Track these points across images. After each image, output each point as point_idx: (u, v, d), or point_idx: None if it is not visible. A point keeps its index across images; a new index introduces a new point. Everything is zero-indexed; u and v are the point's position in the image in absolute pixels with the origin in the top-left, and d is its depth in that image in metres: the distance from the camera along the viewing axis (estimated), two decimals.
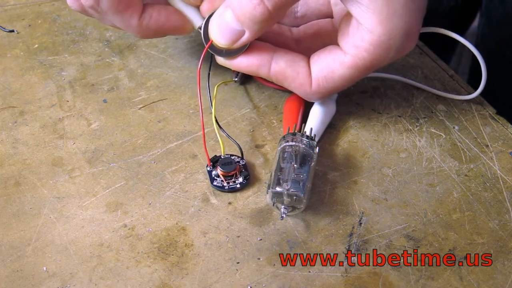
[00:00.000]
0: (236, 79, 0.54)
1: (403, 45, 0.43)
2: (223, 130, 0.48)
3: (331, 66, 0.44)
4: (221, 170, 0.45)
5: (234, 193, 0.45)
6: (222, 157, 0.46)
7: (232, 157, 0.46)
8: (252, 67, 0.46)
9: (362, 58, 0.43)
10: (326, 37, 0.48)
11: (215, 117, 0.47)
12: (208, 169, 0.45)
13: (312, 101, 0.50)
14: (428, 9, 0.44)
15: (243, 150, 0.47)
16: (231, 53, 0.46)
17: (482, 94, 0.53)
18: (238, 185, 0.45)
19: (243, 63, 0.46)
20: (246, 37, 0.43)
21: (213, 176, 0.45)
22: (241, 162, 0.46)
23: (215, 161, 0.46)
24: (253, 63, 0.45)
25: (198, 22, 0.49)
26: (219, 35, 0.44)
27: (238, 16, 0.42)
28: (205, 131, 0.48)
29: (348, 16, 0.44)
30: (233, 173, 0.45)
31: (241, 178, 0.45)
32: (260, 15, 0.41)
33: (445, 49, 0.84)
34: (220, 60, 0.47)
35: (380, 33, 0.41)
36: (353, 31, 0.43)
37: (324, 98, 0.48)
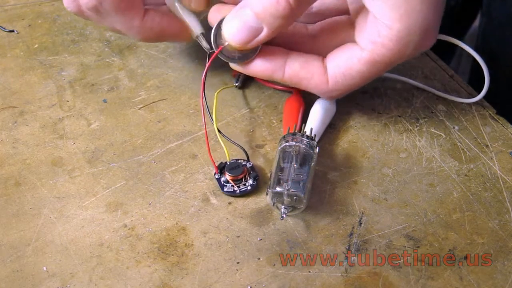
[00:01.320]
0: (237, 84, 0.54)
1: (421, 41, 0.42)
2: (227, 137, 0.48)
3: (348, 62, 0.44)
4: (229, 175, 0.45)
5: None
6: (228, 163, 0.46)
7: (239, 161, 0.46)
8: (266, 72, 0.46)
9: (380, 54, 0.43)
10: (343, 32, 0.48)
11: (217, 129, 0.47)
12: (216, 176, 0.45)
13: (331, 99, 0.50)
14: None
15: (245, 150, 0.47)
16: (242, 58, 0.46)
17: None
18: (249, 187, 0.45)
19: (258, 67, 0.46)
20: (263, 34, 0.43)
21: (222, 183, 0.45)
22: (247, 165, 0.46)
23: (221, 168, 0.45)
24: (267, 68, 0.45)
25: (197, 30, 0.49)
26: (235, 34, 0.44)
27: (258, 13, 0.42)
28: (202, 132, 0.48)
29: (365, 11, 0.43)
30: (242, 176, 0.45)
31: (250, 180, 0.45)
32: (282, 10, 0.41)
33: (446, 50, 0.84)
34: (234, 65, 0.47)
35: (399, 29, 0.41)
36: (370, 26, 0.42)
37: (343, 95, 0.47)
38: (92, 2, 0.46)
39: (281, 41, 0.47)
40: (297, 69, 0.45)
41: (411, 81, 0.54)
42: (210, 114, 0.48)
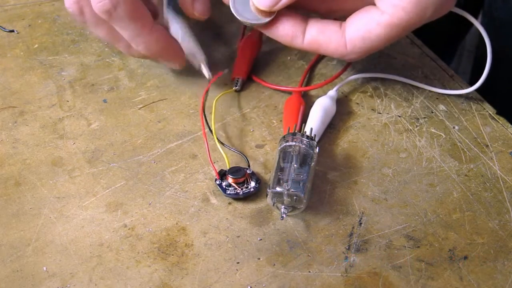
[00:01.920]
0: (236, 87, 0.54)
1: (441, 4, 0.43)
2: (228, 147, 0.48)
3: (367, 26, 0.44)
4: (232, 178, 0.44)
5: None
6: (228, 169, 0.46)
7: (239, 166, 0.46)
8: (287, 38, 0.46)
9: (399, 17, 0.43)
10: None
11: (217, 139, 0.47)
12: (218, 182, 0.45)
13: (350, 61, 0.49)
14: None
15: (245, 154, 0.47)
16: (261, 20, 0.46)
17: (483, 94, 0.53)
18: (252, 189, 0.44)
19: (280, 32, 0.46)
20: None
21: (224, 187, 0.45)
22: (248, 171, 0.46)
23: (222, 174, 0.45)
24: (288, 34, 0.46)
25: (200, 57, 0.52)
26: None
27: None
28: (201, 131, 0.48)
29: None
30: (244, 179, 0.45)
31: (253, 182, 0.45)
32: None
33: (446, 50, 0.84)
34: (257, 26, 0.47)
35: None
36: None
37: (362, 57, 0.48)
38: (107, 5, 0.46)
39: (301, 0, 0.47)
40: (315, 34, 0.46)
41: (411, 81, 0.54)
42: (210, 127, 0.49)
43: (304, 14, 0.47)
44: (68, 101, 0.52)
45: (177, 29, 0.54)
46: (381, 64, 0.57)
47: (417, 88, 0.54)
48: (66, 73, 0.55)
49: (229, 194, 0.44)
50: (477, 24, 0.49)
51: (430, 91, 0.54)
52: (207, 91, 0.51)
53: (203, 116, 0.49)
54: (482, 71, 0.50)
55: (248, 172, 0.45)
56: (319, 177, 0.46)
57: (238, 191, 0.44)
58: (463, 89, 0.54)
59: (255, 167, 0.47)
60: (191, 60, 0.53)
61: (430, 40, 0.59)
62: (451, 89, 0.54)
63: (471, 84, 0.55)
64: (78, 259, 0.41)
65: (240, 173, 0.45)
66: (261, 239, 0.42)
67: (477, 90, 0.52)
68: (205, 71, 0.52)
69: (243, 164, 0.46)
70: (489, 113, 0.52)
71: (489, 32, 0.66)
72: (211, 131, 0.48)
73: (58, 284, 0.39)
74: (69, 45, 0.59)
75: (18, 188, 0.45)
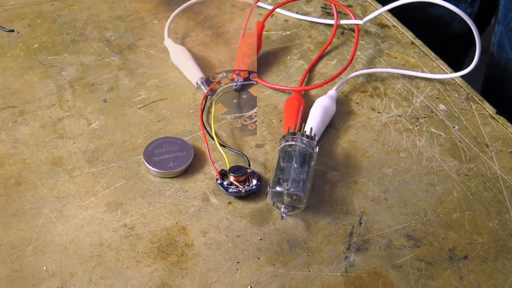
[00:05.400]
0: (236, 87, 0.54)
1: None
2: (229, 148, 0.48)
3: None
4: (233, 176, 0.45)
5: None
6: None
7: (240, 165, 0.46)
8: None
9: None
10: None
11: (219, 143, 0.47)
12: (219, 182, 0.45)
13: None
14: (447, 17, 0.43)
15: (245, 154, 0.47)
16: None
17: (485, 96, 0.53)
18: (254, 187, 0.44)
19: None
20: None
21: (226, 186, 0.45)
22: (248, 170, 0.46)
23: (223, 174, 0.45)
24: None
25: (198, 75, 0.54)
26: None
27: None
28: (200, 131, 0.48)
29: None
30: (245, 177, 0.45)
31: (254, 180, 0.45)
32: None
33: (459, 56, 0.84)
34: None
35: None
36: None
37: None
38: None
39: None
40: None
41: (410, 72, 0.54)
42: (210, 127, 0.49)
43: None
44: (68, 101, 0.52)
45: (177, 54, 0.56)
46: (381, 63, 0.57)
47: (417, 87, 0.54)
48: (66, 73, 0.55)
49: (231, 192, 0.44)
50: (463, 15, 0.49)
51: (429, 91, 0.54)
52: (205, 97, 0.51)
53: (202, 121, 0.49)
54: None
55: (249, 171, 0.45)
56: (319, 177, 0.46)
57: (240, 189, 0.44)
58: (462, 88, 0.54)
59: (255, 167, 0.47)
60: (190, 79, 0.54)
61: (444, 45, 0.59)
62: (451, 88, 0.54)
63: (478, 89, 0.55)
64: (78, 259, 0.41)
65: (241, 171, 0.45)
66: (261, 239, 0.42)
67: (488, 100, 0.52)
68: (203, 88, 0.53)
69: (243, 164, 0.46)
70: (489, 113, 0.52)
71: (503, 41, 0.66)
72: (211, 131, 0.48)
73: (58, 284, 0.39)
74: (69, 45, 0.59)
75: (18, 188, 0.45)
